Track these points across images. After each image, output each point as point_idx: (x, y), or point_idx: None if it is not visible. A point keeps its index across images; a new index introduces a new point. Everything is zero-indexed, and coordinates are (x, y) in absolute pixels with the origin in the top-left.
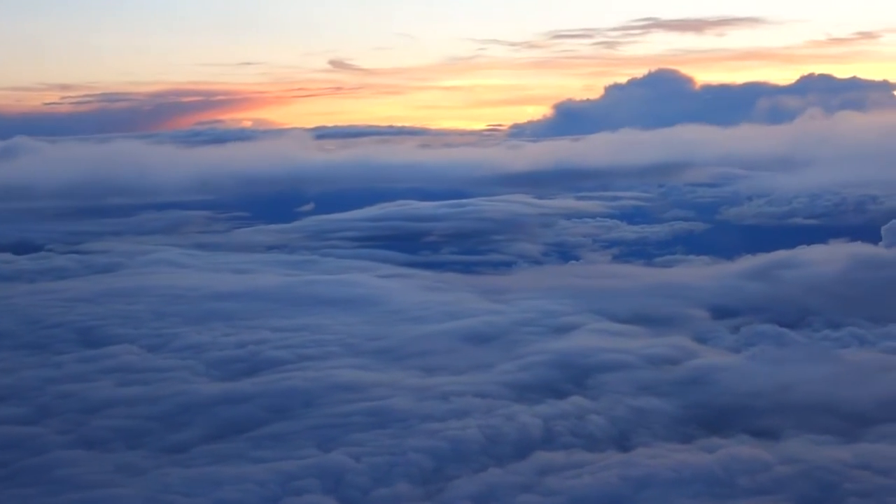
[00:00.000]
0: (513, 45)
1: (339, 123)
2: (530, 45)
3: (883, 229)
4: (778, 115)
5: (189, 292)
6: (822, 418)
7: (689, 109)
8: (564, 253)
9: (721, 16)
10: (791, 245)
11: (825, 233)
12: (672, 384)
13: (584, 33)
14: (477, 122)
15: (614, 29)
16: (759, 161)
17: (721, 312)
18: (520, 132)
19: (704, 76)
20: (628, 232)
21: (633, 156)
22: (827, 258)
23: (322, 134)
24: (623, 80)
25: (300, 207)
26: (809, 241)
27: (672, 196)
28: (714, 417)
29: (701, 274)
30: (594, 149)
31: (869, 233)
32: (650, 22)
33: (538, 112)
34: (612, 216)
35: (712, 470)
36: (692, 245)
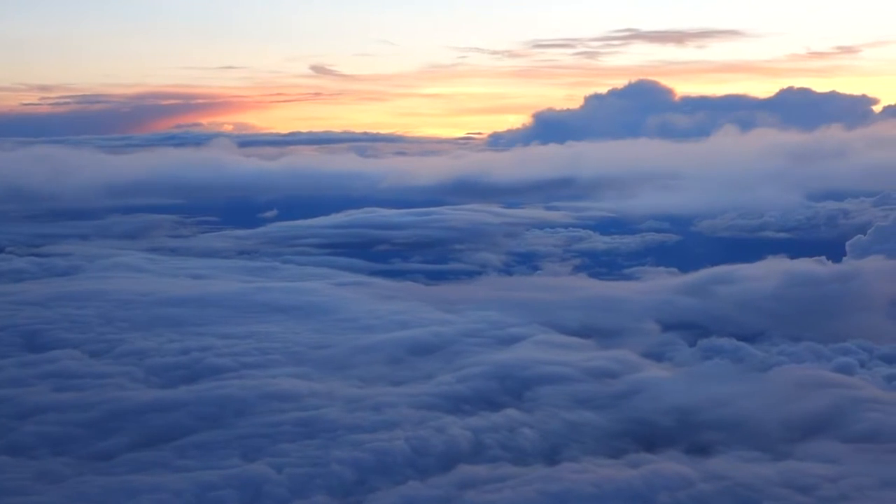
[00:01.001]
0: (494, 53)
1: (318, 129)
2: (511, 54)
3: (848, 244)
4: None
5: (141, 297)
6: (756, 434)
7: (668, 121)
8: (527, 263)
9: (702, 28)
10: (759, 258)
11: (794, 246)
12: (610, 398)
13: (564, 43)
14: (458, 129)
15: (595, 39)
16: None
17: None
18: (498, 141)
19: (685, 88)
20: (599, 242)
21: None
22: (764, 274)
23: (297, 140)
24: (604, 90)
25: (263, 213)
26: (777, 255)
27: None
28: (648, 432)
29: (645, 287)
30: (566, 158)
31: (838, 247)
32: (631, 33)
33: (520, 121)
34: (586, 226)
35: (634, 486)
36: (662, 256)
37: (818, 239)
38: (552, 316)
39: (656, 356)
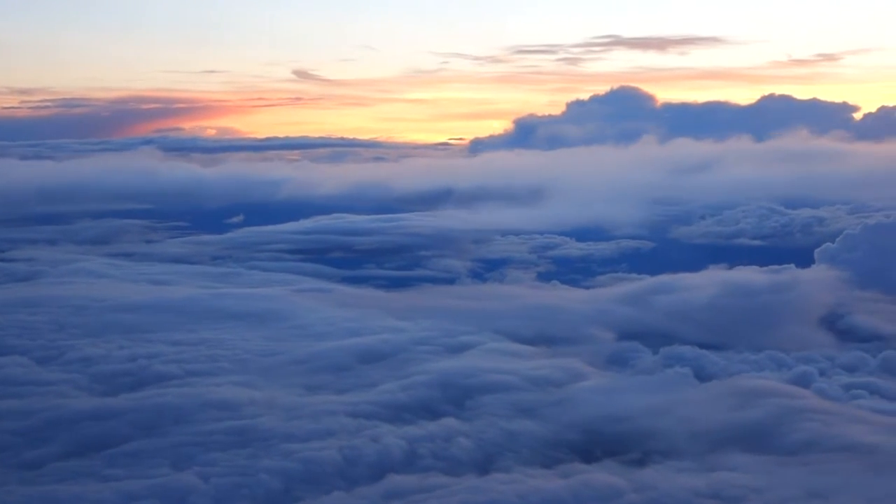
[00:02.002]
0: (476, 59)
1: (298, 134)
2: (494, 60)
3: (816, 252)
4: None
5: (95, 303)
6: (694, 444)
7: (649, 127)
8: (493, 270)
9: (683, 35)
10: (731, 265)
11: (767, 254)
12: (551, 407)
13: (546, 49)
14: (442, 135)
15: (577, 45)
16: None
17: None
18: (480, 146)
19: (667, 94)
20: (574, 249)
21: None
22: (703, 284)
23: (273, 145)
24: (587, 96)
25: (230, 219)
26: (750, 262)
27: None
28: (587, 442)
29: (588, 296)
30: (538, 165)
31: (811, 255)
32: (612, 39)
33: (503, 126)
34: (563, 233)
35: (560, 497)
36: (637, 263)
37: (792, 246)
38: (506, 324)
39: (607, 364)
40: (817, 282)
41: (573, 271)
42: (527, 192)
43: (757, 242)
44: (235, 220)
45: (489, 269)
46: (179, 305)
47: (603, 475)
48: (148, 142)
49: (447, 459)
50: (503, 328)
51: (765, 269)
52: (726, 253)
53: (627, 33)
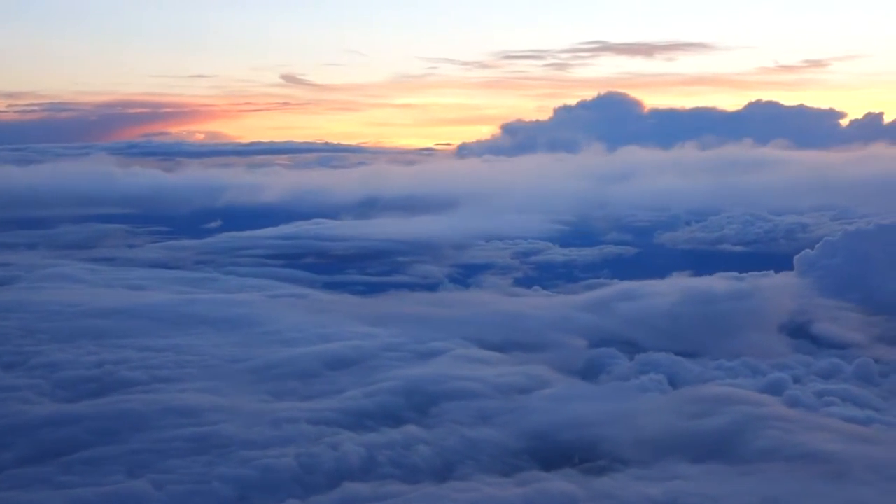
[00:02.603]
0: (464, 64)
1: (286, 139)
2: (482, 65)
3: (795, 259)
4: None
5: (67, 308)
6: (654, 452)
7: (637, 133)
8: (470, 276)
9: (670, 41)
10: (713, 271)
11: (750, 259)
12: (515, 414)
13: (534, 55)
14: (431, 140)
15: (564, 51)
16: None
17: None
18: (467, 151)
19: (655, 100)
20: (557, 254)
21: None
22: (666, 291)
23: (258, 150)
24: (575, 101)
25: (208, 224)
26: (732, 268)
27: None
28: (548, 449)
29: (550, 303)
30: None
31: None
32: (599, 45)
33: (491, 132)
34: (549, 238)
35: None
36: (620, 269)
37: (776, 252)
38: (476, 331)
39: (581, 371)
40: (782, 289)
41: (556, 277)
42: (444, 200)
43: (740, 248)
44: (213, 225)
45: (468, 274)
46: (152, 311)
47: (560, 483)
48: (133, 146)
49: (406, 467)
50: (474, 335)
51: (744, 275)
52: (709, 259)
53: (614, 39)
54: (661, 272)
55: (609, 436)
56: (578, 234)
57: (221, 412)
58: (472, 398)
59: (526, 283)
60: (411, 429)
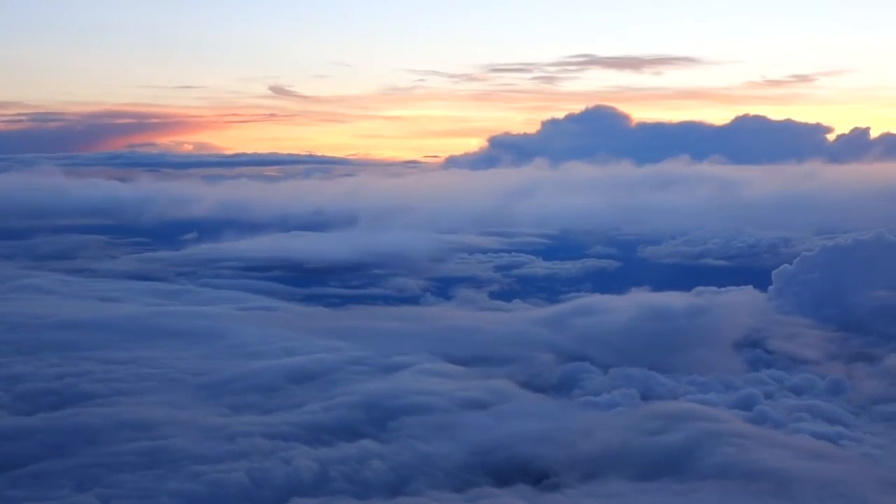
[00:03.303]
0: (452, 77)
1: (272, 150)
2: (469, 78)
3: (774, 274)
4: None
5: (34, 320)
6: (609, 467)
7: (624, 146)
8: (446, 289)
9: (658, 55)
10: (693, 285)
11: (731, 274)
12: (473, 429)
13: (522, 68)
14: (420, 152)
15: (552, 64)
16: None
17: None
18: (455, 164)
19: (644, 114)
20: (540, 268)
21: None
22: (624, 306)
23: (242, 161)
24: (563, 114)
25: (185, 235)
26: (713, 282)
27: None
28: (503, 465)
29: (511, 317)
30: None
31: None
32: (587, 59)
33: (480, 144)
34: (533, 251)
35: None
36: (601, 282)
37: (758, 267)
38: (443, 344)
39: (554, 385)
40: (743, 305)
41: (538, 290)
42: (346, 216)
43: (722, 263)
44: (190, 236)
45: (444, 288)
46: (120, 323)
47: (510, 500)
48: (116, 157)
49: (358, 482)
50: (440, 349)
51: (722, 289)
52: (691, 273)
53: (602, 53)
54: (641, 286)
55: (564, 452)
56: (563, 248)
57: (177, 426)
58: (430, 413)
59: (506, 296)
60: (367, 443)
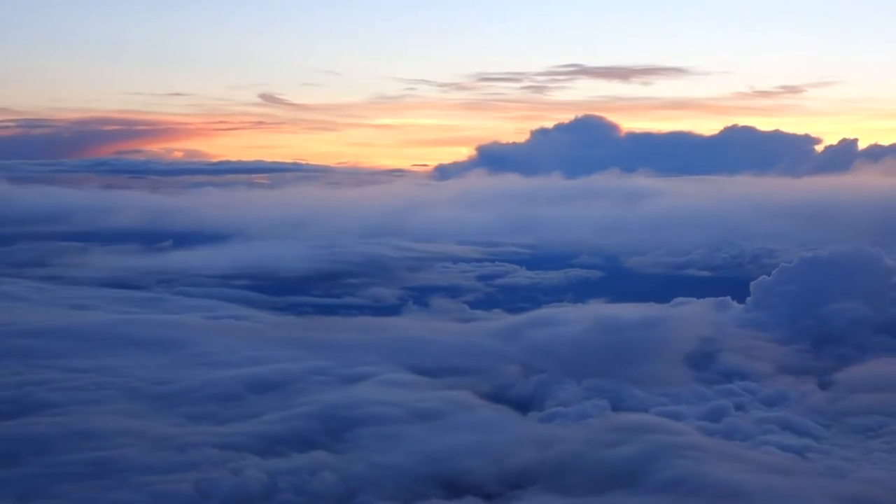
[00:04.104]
0: (441, 85)
1: (256, 158)
2: (459, 87)
3: (752, 285)
4: None
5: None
6: (562, 480)
7: (612, 156)
8: (423, 299)
9: (646, 65)
10: (674, 295)
11: (713, 285)
12: (429, 440)
13: (511, 77)
14: (410, 160)
15: (540, 74)
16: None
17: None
18: (444, 172)
19: (633, 124)
20: (523, 277)
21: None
22: (579, 318)
23: (226, 169)
24: (553, 124)
25: (161, 244)
26: (696, 293)
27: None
28: (455, 477)
29: (468, 328)
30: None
31: None
32: (576, 68)
33: (469, 153)
34: (519, 260)
35: None
36: (583, 292)
37: (740, 277)
38: (411, 355)
39: (520, 396)
40: (683, 318)
41: (520, 300)
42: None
43: (705, 273)
44: (166, 244)
45: (421, 297)
46: (86, 331)
47: None
48: (101, 163)
49: (307, 494)
50: (407, 359)
51: (700, 300)
52: (673, 283)
53: (591, 63)
54: (623, 296)
55: (519, 463)
56: (549, 257)
57: (129, 436)
58: (387, 423)
59: (487, 305)
60: (320, 454)
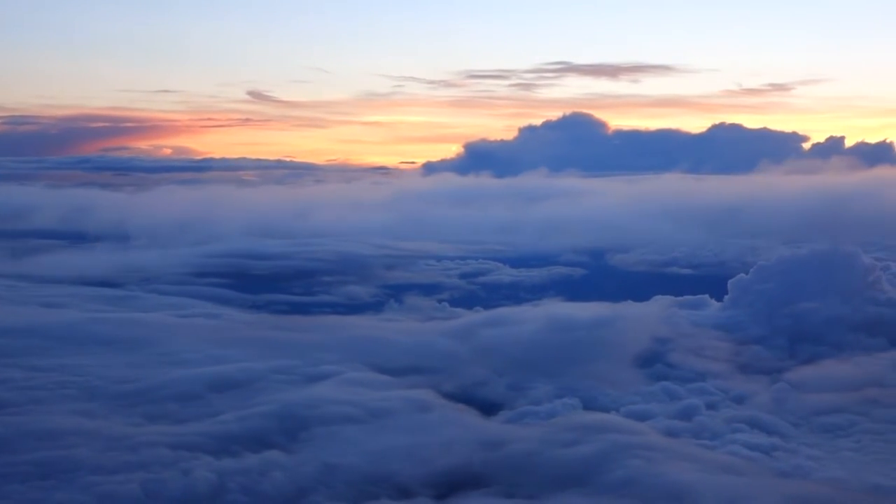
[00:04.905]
0: (429, 83)
1: (241, 155)
2: (447, 84)
3: (730, 283)
4: None
5: None
6: (519, 479)
7: (600, 154)
8: (398, 297)
9: (635, 62)
10: (655, 293)
11: (695, 283)
12: (384, 440)
13: (499, 74)
14: (399, 157)
15: (529, 71)
16: None
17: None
18: (432, 170)
19: (620, 121)
20: (506, 275)
21: None
22: (533, 317)
23: (210, 166)
24: (541, 121)
25: (137, 241)
26: (678, 291)
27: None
28: (408, 476)
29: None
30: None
31: None
32: (564, 66)
33: (458, 150)
34: (501, 258)
35: None
36: (565, 290)
37: (724, 275)
38: (377, 354)
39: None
40: (633, 318)
41: (503, 297)
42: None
43: (688, 271)
44: (142, 241)
45: (396, 295)
46: (53, 329)
47: None
48: (85, 161)
49: (256, 494)
50: (373, 358)
51: (679, 298)
52: (656, 281)
53: (579, 60)
54: (605, 294)
55: (472, 463)
56: (533, 255)
57: (82, 435)
58: (344, 423)
59: (469, 303)
60: (273, 454)
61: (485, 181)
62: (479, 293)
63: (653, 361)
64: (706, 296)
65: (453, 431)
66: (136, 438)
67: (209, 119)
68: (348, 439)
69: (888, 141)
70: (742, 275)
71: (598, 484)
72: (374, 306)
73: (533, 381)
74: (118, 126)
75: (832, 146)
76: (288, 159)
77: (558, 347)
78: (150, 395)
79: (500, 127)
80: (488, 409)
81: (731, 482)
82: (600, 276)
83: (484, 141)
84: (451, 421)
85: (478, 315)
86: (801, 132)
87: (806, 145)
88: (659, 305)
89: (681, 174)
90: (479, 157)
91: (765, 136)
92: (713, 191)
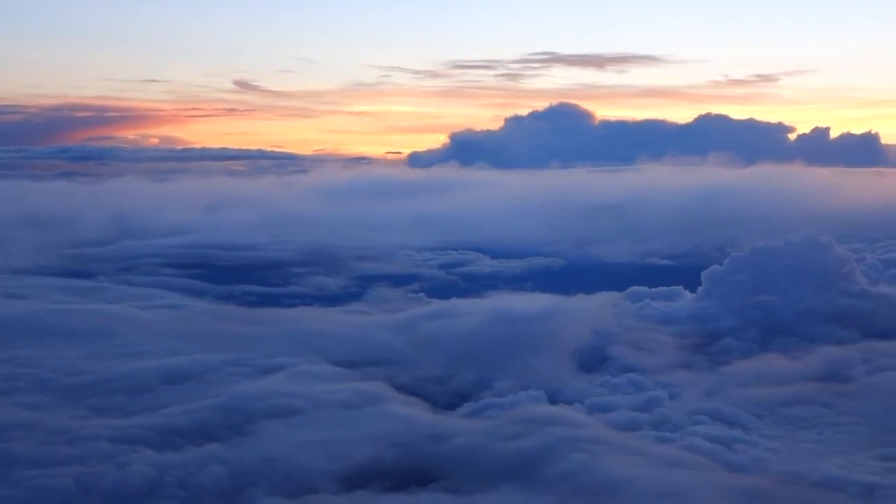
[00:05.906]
0: (416, 73)
1: (221, 145)
2: (433, 74)
3: (703, 274)
4: None
5: None
6: (461, 473)
7: (587, 144)
8: (369, 288)
9: (621, 53)
10: (632, 284)
11: (673, 274)
12: (330, 432)
13: (485, 64)
14: (387, 147)
15: (515, 61)
16: None
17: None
18: (418, 160)
19: (608, 112)
20: (485, 266)
21: None
22: (475, 311)
23: (192, 156)
24: (527, 112)
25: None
26: (653, 282)
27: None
28: (350, 469)
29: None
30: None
31: None
32: (550, 56)
33: (444, 141)
34: (480, 249)
35: None
36: (544, 281)
37: (701, 266)
38: (336, 346)
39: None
40: (574, 311)
41: (481, 288)
42: None
43: (667, 262)
44: (115, 232)
45: (368, 286)
46: (11, 321)
47: None
48: (66, 150)
49: (193, 488)
50: (330, 350)
51: (652, 289)
52: (634, 272)
53: (565, 51)
54: (584, 285)
55: (414, 455)
56: (515, 246)
57: (23, 429)
58: (291, 415)
59: (446, 293)
60: (213, 447)
61: (403, 173)
62: (460, 284)
63: (602, 355)
64: (680, 287)
65: (400, 424)
66: (78, 432)
67: (195, 109)
68: (293, 432)
69: (873, 132)
70: (716, 266)
71: (536, 478)
72: (344, 298)
73: (493, 374)
74: (104, 115)
75: (818, 137)
76: (271, 149)
77: (504, 341)
78: (100, 387)
79: (486, 117)
80: (447, 402)
81: (673, 476)
82: (580, 267)
83: (470, 131)
84: (399, 414)
85: (422, 307)
86: (787, 123)
87: (792, 136)
88: (608, 299)
89: (588, 169)
90: (465, 148)
91: (751, 126)
92: (604, 185)
